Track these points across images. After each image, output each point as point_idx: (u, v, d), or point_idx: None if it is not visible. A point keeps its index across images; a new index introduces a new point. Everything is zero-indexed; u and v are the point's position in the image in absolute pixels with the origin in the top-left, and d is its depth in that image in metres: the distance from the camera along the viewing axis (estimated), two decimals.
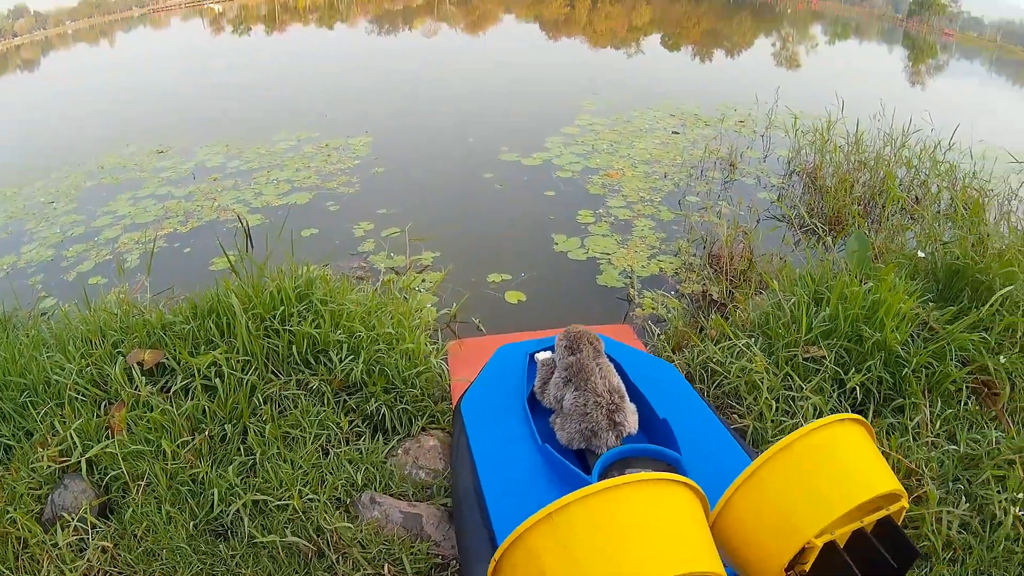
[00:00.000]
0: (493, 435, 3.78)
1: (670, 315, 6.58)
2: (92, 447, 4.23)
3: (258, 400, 4.54)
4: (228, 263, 5.40)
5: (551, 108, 15.34)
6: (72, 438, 4.27)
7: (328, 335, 4.82)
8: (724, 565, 2.21)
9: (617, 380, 3.77)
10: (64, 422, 4.38)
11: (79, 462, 4.19)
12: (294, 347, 4.77)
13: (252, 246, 8.52)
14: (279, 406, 4.60)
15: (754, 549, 2.46)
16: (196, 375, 4.52)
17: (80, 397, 4.56)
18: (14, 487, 4.11)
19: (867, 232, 7.37)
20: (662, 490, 2.21)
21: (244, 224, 8.83)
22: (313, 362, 4.79)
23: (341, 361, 4.75)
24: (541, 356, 4.30)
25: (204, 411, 4.42)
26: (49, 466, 4.22)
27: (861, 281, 5.23)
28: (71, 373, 4.65)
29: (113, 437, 4.30)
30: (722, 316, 5.96)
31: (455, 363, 5.44)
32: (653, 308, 6.93)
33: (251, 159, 12.72)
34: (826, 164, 10.03)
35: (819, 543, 2.34)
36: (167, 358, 4.73)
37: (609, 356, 4.05)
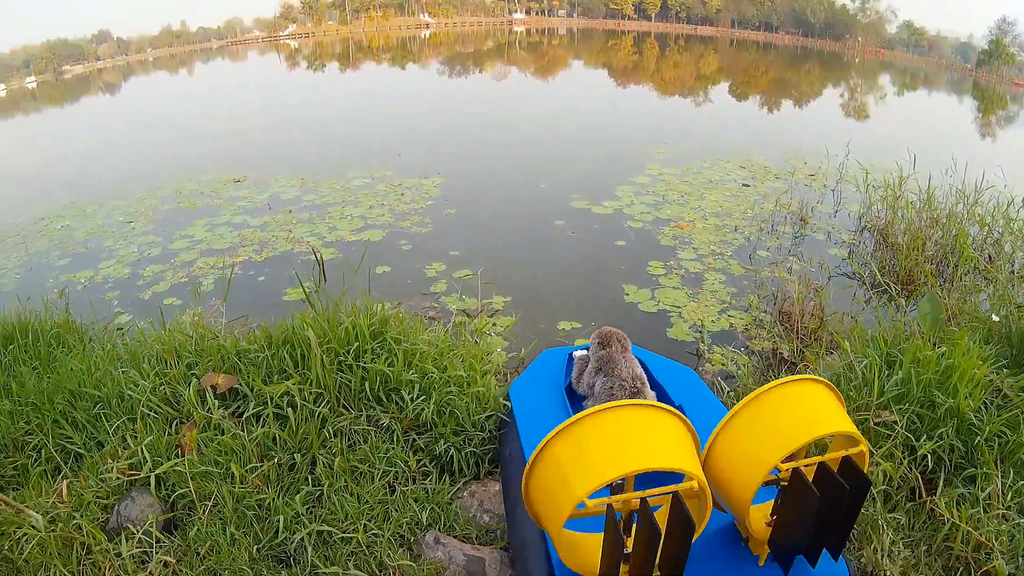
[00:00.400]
0: (535, 413, 4.39)
1: (739, 372, 6.50)
2: (162, 464, 4.29)
3: (328, 433, 4.58)
4: (304, 295, 5.48)
5: (621, 156, 15.49)
6: (143, 453, 4.34)
7: (401, 374, 4.84)
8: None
9: (639, 370, 4.35)
10: (135, 437, 4.46)
11: (148, 477, 4.25)
12: (367, 383, 4.81)
13: (325, 279, 8.65)
14: (349, 440, 4.62)
15: (733, 481, 2.89)
16: (269, 403, 4.57)
17: (152, 414, 4.64)
18: (82, 494, 4.17)
19: (939, 292, 7.19)
20: (658, 415, 2.73)
21: (318, 257, 8.97)
22: (384, 399, 4.82)
23: (412, 400, 4.77)
24: (578, 354, 4.86)
25: (274, 439, 4.46)
26: (118, 478, 4.28)
27: (934, 345, 5.09)
28: (145, 390, 4.74)
29: (183, 456, 4.36)
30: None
31: None
32: (723, 364, 6.83)
33: (325, 194, 13.05)
34: (898, 221, 9.88)
35: (787, 469, 2.84)
36: (240, 384, 4.80)
37: (636, 356, 4.64)
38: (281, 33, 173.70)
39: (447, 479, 4.62)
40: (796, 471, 2.82)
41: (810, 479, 2.82)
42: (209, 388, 4.72)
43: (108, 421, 4.62)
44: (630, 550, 2.63)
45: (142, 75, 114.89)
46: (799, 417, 2.88)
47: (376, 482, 4.39)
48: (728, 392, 6.05)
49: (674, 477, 2.74)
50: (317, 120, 22.98)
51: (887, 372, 4.90)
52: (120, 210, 13.67)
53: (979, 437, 4.39)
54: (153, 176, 16.47)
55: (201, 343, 5.26)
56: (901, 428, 4.52)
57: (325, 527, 4.03)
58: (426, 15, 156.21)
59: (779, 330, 7.36)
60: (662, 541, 2.54)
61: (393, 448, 4.59)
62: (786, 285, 7.94)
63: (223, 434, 4.42)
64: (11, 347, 5.79)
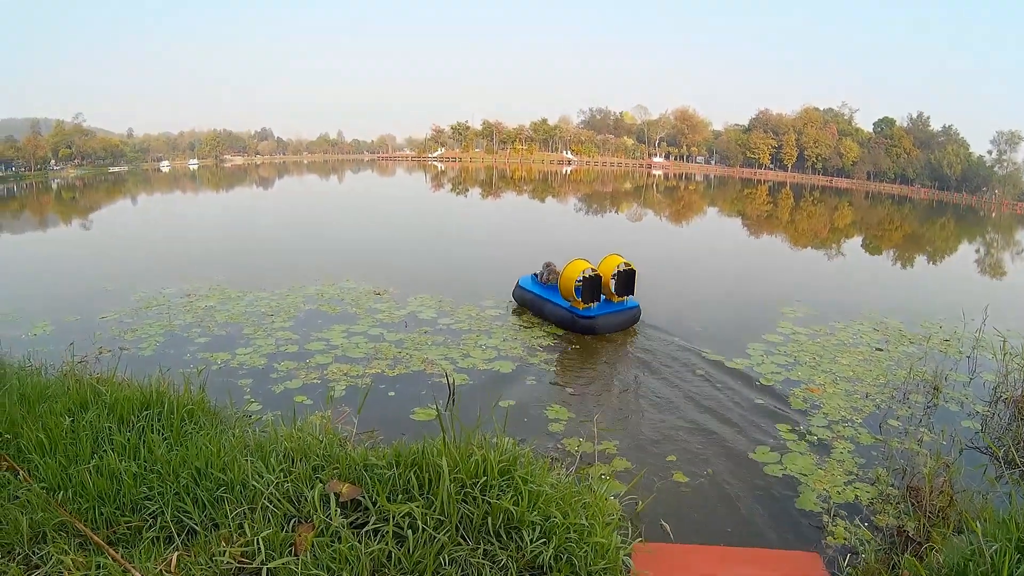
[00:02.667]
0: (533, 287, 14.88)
1: (862, 548, 6.23)
2: (275, 559, 4.42)
3: (443, 560, 4.62)
4: (438, 420, 5.63)
5: (753, 310, 15.45)
6: (258, 544, 4.49)
7: (525, 514, 4.89)
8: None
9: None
10: (253, 527, 4.63)
11: (260, 569, 4.39)
12: (489, 518, 4.87)
13: (454, 403, 8.86)
14: (463, 571, 4.65)
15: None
16: (390, 521, 4.68)
17: (272, 508, 4.82)
18: (190, 569, 4.33)
19: None
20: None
21: (450, 383, 9.23)
22: (504, 536, 4.85)
23: (532, 542, 4.78)
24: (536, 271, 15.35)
25: (389, 556, 4.54)
26: (229, 562, 4.43)
27: None
28: (269, 483, 4.95)
29: (296, 555, 4.49)
30: (917, 557, 5.56)
31: (640, 563, 5.35)
32: (845, 539, 6.56)
33: (461, 319, 13.55)
34: None
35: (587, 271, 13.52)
36: (364, 496, 4.94)
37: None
38: (430, 155, 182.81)
39: None
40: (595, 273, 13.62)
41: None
42: (333, 494, 4.88)
43: (228, 505, 4.81)
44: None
45: (295, 175, 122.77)
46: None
47: None
48: (848, 571, 5.82)
49: None
50: (456, 242, 23.90)
51: (1017, 558, 4.64)
52: (263, 302, 14.68)
53: None
54: (297, 274, 17.69)
55: (329, 448, 5.47)
56: None
57: None
58: (569, 152, 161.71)
59: (906, 506, 7.03)
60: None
61: None
62: (915, 458, 7.74)
63: (340, 542, 4.53)
64: (146, 412, 6.16)
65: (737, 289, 17.92)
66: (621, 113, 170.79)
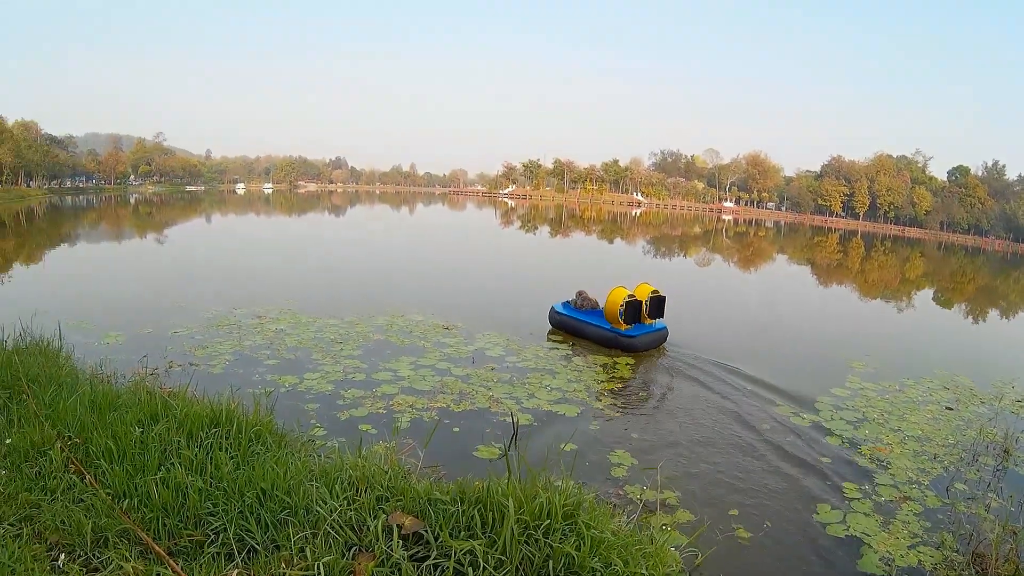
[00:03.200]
0: (571, 313, 16.80)
1: None
2: None
3: None
4: (504, 461, 5.59)
5: (822, 362, 15.19)
6: (319, 569, 4.48)
7: (586, 559, 4.82)
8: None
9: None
10: (314, 551, 4.62)
11: None
12: (551, 562, 4.80)
13: (516, 444, 8.81)
14: None
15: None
16: (451, 557, 4.64)
17: (334, 534, 4.81)
18: None
19: None
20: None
21: (515, 422, 9.19)
22: None
23: None
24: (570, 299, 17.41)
25: None
26: None
27: None
28: (332, 510, 4.95)
29: None
30: None
31: None
32: None
33: (528, 359, 13.51)
34: None
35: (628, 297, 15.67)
36: (426, 530, 4.91)
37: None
38: (501, 191, 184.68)
39: None
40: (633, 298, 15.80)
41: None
42: (396, 526, 4.86)
43: (291, 528, 4.82)
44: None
45: (367, 204, 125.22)
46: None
47: None
48: None
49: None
50: (524, 279, 23.99)
51: None
52: (332, 329, 14.89)
53: None
54: (367, 304, 17.97)
55: (394, 480, 5.46)
56: None
57: None
58: (639, 194, 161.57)
59: (971, 573, 6.78)
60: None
61: None
62: (982, 524, 7.48)
63: (399, 574, 4.50)
64: (215, 430, 6.24)
65: (806, 340, 17.63)
66: (692, 156, 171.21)
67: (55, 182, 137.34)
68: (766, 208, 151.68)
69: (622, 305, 15.42)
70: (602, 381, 12.45)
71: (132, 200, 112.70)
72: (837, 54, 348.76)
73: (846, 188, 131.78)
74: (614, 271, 29.20)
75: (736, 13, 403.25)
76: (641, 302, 15.86)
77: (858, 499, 8.45)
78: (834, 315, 24.52)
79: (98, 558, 4.37)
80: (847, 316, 24.84)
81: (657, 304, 16.25)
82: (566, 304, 17.15)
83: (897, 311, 28.12)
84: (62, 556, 4.28)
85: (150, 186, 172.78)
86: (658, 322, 16.19)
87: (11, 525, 4.57)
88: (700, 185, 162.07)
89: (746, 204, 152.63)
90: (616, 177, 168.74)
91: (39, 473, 5.32)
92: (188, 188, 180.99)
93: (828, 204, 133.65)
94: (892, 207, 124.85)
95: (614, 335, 15.54)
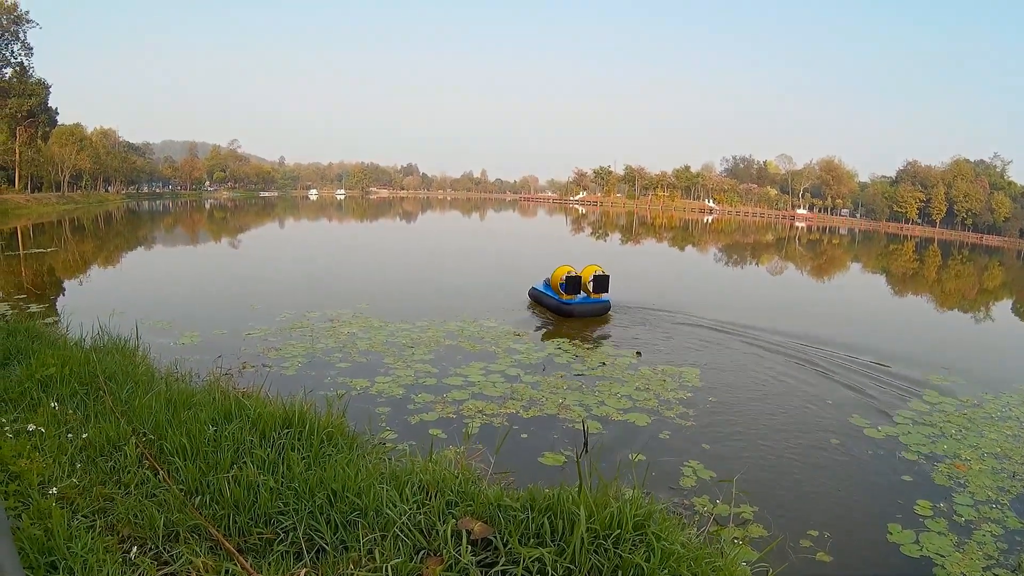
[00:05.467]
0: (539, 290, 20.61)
1: None
2: None
3: None
4: (578, 470, 5.55)
5: (898, 377, 14.53)
6: (388, 571, 4.50)
7: (655, 571, 4.75)
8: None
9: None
10: (383, 553, 4.64)
11: None
12: (620, 572, 4.76)
13: (586, 452, 8.76)
14: None
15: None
16: (519, 564, 4.63)
17: (403, 537, 4.83)
18: None
19: None
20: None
21: (585, 430, 9.15)
22: None
23: None
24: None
25: None
26: None
27: None
28: (402, 512, 4.96)
29: None
30: None
31: None
32: None
33: (594, 366, 13.45)
34: None
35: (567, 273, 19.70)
36: (495, 536, 4.90)
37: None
38: (571, 197, 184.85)
39: None
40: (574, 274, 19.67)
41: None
42: (465, 531, 4.86)
43: (360, 530, 4.85)
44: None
45: (438, 210, 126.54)
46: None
47: None
48: None
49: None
50: None
51: None
52: (404, 334, 15.07)
53: None
54: (440, 309, 18.28)
55: (464, 485, 5.46)
56: None
57: None
58: (711, 201, 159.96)
59: None
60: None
61: None
62: None
63: None
64: (287, 431, 6.32)
65: (883, 353, 17.10)
66: (765, 162, 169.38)
67: (132, 187, 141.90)
68: (840, 215, 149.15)
69: (562, 280, 19.40)
70: (672, 389, 12.28)
71: (207, 205, 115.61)
72: (911, 56, 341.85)
73: (922, 194, 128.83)
74: (676, 288, 29.13)
75: (808, 19, 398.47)
76: (579, 278, 19.61)
77: (931, 517, 8.19)
78: (910, 326, 23.94)
79: (169, 552, 4.44)
80: (924, 328, 24.26)
81: (601, 282, 19.84)
82: (546, 283, 20.62)
83: (975, 323, 27.43)
84: (134, 549, 4.36)
85: (225, 192, 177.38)
86: (603, 296, 19.88)
87: (85, 517, 4.68)
88: (773, 191, 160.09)
89: (820, 211, 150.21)
90: (687, 183, 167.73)
91: (114, 467, 5.44)
92: (262, 194, 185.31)
93: (904, 211, 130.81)
94: (970, 213, 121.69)
95: (557, 304, 19.51)
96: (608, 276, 19.89)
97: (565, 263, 20.01)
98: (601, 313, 19.52)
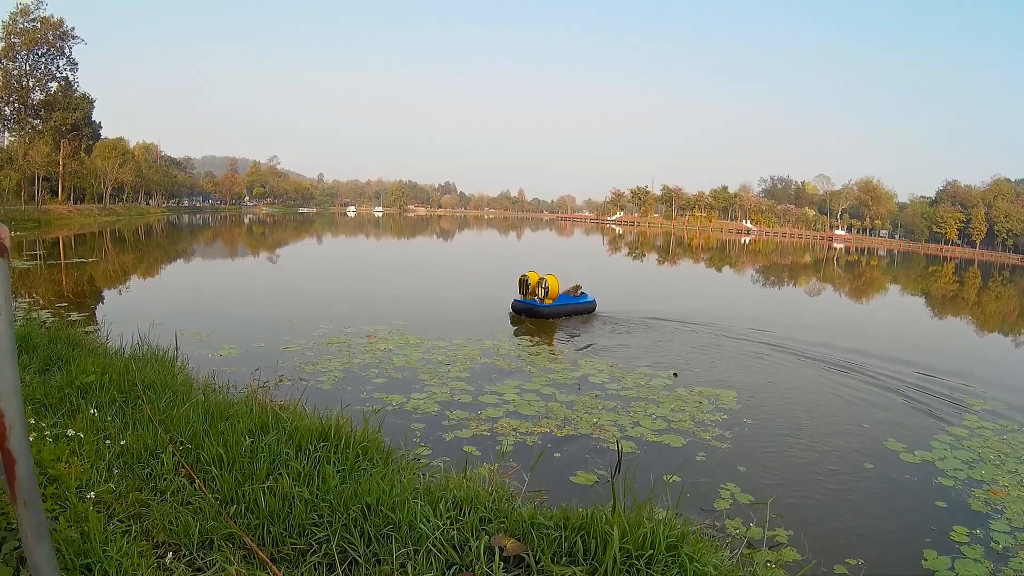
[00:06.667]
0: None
1: None
2: None
3: None
4: (612, 490, 5.54)
5: (936, 399, 14.30)
6: None
7: None
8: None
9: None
10: (415, 568, 4.66)
11: None
12: None
13: (619, 472, 8.74)
14: None
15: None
16: None
17: (436, 552, 4.84)
18: None
19: None
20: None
21: (619, 450, 9.12)
22: None
23: None
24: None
25: None
26: None
27: None
28: (435, 528, 4.98)
29: None
30: None
31: None
32: None
33: (630, 387, 13.34)
34: None
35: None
36: (528, 554, 4.90)
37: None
38: (608, 218, 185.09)
39: None
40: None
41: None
42: (498, 548, 4.87)
43: (394, 544, 4.88)
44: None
45: (476, 229, 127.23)
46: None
47: None
48: None
49: None
50: (630, 310, 23.80)
51: None
52: (440, 351, 15.15)
53: None
54: (477, 327, 18.41)
55: (498, 502, 5.48)
56: None
57: None
58: (748, 222, 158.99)
59: None
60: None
61: None
62: None
63: None
64: (323, 444, 6.37)
65: (920, 375, 16.87)
66: (803, 183, 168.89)
67: (173, 200, 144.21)
68: (879, 236, 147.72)
69: (520, 282, 22.30)
70: (707, 411, 12.20)
71: (246, 220, 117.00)
72: (952, 75, 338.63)
73: (962, 215, 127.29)
74: (713, 311, 29.00)
75: (844, 39, 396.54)
76: (528, 281, 22.02)
77: (968, 544, 8.05)
78: (949, 349, 23.51)
79: (203, 559, 4.49)
80: (963, 351, 23.84)
81: (546, 288, 21.67)
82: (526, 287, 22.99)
83: (1015, 346, 27.04)
84: (169, 555, 4.42)
85: (264, 207, 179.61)
86: (545, 303, 21.71)
87: (120, 522, 4.75)
88: (811, 212, 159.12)
89: (858, 232, 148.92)
90: (725, 204, 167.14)
91: (150, 475, 5.51)
92: (301, 210, 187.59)
93: (943, 232, 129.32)
94: (1011, 234, 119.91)
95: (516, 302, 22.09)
96: (544, 279, 21.81)
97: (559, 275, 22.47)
98: (533, 316, 21.38)
